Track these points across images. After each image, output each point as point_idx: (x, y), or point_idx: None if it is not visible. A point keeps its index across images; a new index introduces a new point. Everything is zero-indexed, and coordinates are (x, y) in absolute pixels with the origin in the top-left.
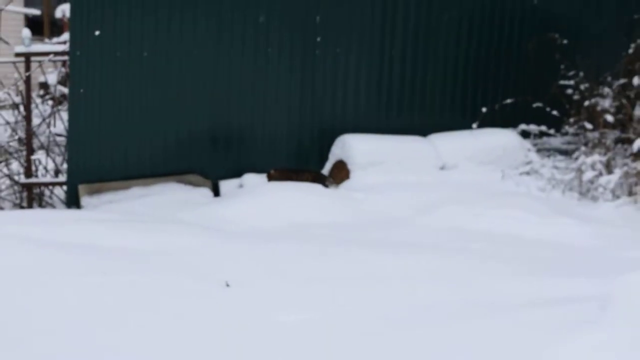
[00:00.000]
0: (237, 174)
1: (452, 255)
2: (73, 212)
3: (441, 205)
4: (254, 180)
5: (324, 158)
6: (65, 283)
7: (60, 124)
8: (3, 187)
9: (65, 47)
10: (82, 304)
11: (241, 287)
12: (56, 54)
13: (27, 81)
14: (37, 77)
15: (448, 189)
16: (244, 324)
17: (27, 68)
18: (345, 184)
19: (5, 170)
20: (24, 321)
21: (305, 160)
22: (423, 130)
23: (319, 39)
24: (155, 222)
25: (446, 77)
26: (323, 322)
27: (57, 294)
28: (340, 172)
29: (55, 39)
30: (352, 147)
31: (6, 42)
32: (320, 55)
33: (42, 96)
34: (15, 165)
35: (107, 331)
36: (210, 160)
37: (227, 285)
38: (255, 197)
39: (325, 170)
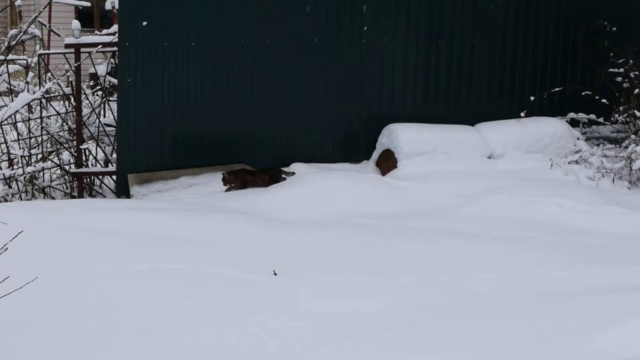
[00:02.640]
0: (285, 163)
1: (499, 243)
2: (123, 201)
3: (488, 194)
4: (301, 169)
5: (371, 147)
6: (116, 271)
7: (110, 114)
8: (54, 176)
9: (114, 39)
10: (133, 293)
11: (289, 276)
12: (105, 44)
13: (77, 72)
14: (87, 68)
15: (495, 177)
16: (291, 312)
17: (77, 59)
18: (392, 173)
19: (56, 160)
20: (76, 309)
21: (352, 149)
22: (470, 119)
23: (365, 28)
24: (204, 211)
25: (494, 65)
26: (370, 311)
27: (107, 282)
28: (388, 162)
29: (105, 31)
30: (398, 136)
31: (57, 34)
32: (367, 44)
33: (92, 87)
34: (65, 155)
35: (156, 319)
36: (257, 150)
37: (275, 274)
38: (302, 186)
39: (373, 159)
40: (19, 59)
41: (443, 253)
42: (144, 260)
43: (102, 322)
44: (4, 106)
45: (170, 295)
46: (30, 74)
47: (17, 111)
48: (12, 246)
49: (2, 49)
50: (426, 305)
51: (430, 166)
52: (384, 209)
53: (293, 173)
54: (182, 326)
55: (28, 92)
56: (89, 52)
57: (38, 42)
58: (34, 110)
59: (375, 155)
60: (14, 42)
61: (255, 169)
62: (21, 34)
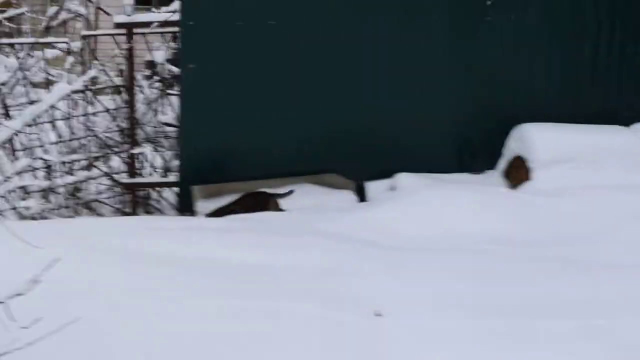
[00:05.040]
0: (387, 173)
1: None
2: (186, 220)
3: None
4: (409, 181)
5: (496, 153)
6: (178, 309)
7: (170, 111)
8: (102, 188)
9: (174, 16)
10: (198, 337)
11: (397, 319)
12: (164, 23)
13: (130, 58)
14: (143, 55)
15: None
16: None
17: (129, 42)
18: (525, 187)
19: (104, 168)
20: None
21: (472, 156)
22: (624, 117)
23: (489, 2)
24: (285, 233)
25: None
26: None
27: (166, 323)
28: (518, 172)
29: (164, 9)
30: (532, 139)
31: (106, 13)
32: (492, 23)
33: (148, 77)
34: (116, 162)
35: None
36: (353, 158)
37: (379, 314)
38: (410, 202)
39: (499, 169)
40: (58, 42)
41: (594, 290)
42: (211, 294)
43: None
44: (37, 101)
45: (244, 341)
46: (71, 60)
47: (54, 107)
48: (48, 278)
49: (41, 30)
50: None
51: (573, 178)
52: (516, 232)
53: (290, 192)
54: None
55: (69, 82)
56: (144, 34)
57: (82, 22)
58: (77, 106)
59: (503, 163)
60: (53, 23)
61: (352, 179)
62: (62, 12)
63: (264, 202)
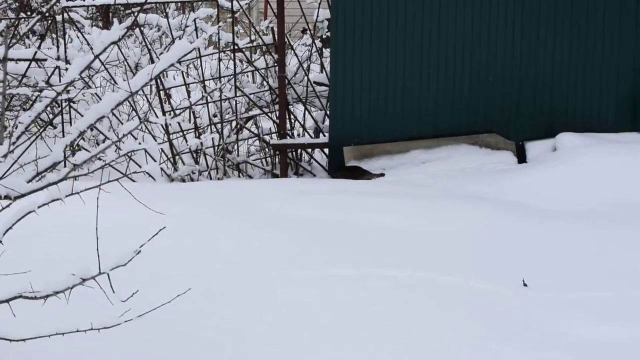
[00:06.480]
0: (550, 133)
1: None
2: (334, 182)
3: None
4: (572, 142)
5: None
6: (311, 277)
7: (323, 71)
8: (252, 149)
9: None
10: (330, 309)
11: (545, 290)
12: None
13: (279, 15)
14: (296, 14)
15: None
16: (557, 342)
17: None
18: None
19: (253, 129)
20: (251, 328)
21: None
22: None
23: None
24: (435, 195)
25: None
26: None
27: (297, 293)
28: None
29: None
30: None
31: None
32: None
33: (303, 34)
34: (266, 123)
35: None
36: (513, 116)
37: (525, 284)
38: (571, 163)
39: None
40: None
41: None
42: (347, 262)
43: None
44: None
45: (381, 314)
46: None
47: (173, 65)
48: (178, 242)
49: None
50: None
51: None
52: None
53: (382, 174)
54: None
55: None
56: None
57: None
58: (227, 66)
59: None
60: None
61: (512, 139)
62: None
63: (358, 177)
